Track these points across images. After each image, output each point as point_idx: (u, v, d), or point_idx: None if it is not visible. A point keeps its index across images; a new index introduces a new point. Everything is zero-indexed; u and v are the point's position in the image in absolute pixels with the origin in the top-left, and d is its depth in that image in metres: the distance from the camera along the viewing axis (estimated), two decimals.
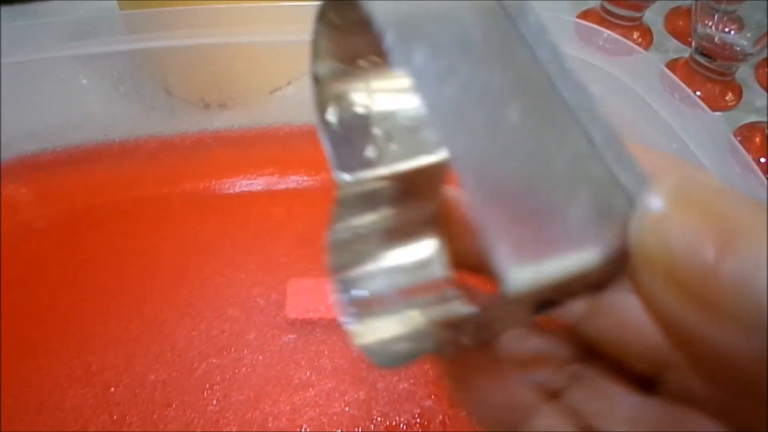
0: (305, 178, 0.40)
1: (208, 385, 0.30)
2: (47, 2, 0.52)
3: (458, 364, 0.16)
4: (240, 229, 0.37)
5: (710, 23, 0.45)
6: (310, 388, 0.31)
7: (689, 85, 0.46)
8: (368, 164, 0.16)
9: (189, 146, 0.40)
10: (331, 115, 0.16)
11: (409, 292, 0.16)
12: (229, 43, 0.37)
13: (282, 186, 0.39)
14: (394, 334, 0.14)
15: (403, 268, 0.16)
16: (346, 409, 0.30)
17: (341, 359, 0.32)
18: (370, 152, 0.16)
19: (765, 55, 0.48)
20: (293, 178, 0.40)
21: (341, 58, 0.15)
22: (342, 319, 0.14)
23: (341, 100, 0.16)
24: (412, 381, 0.31)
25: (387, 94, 0.16)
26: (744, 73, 0.48)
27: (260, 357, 0.31)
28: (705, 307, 0.08)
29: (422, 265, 0.16)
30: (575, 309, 0.17)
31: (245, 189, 0.39)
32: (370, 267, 0.16)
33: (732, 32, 0.45)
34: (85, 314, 0.32)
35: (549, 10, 0.56)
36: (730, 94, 0.46)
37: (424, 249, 0.16)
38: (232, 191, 0.39)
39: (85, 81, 0.38)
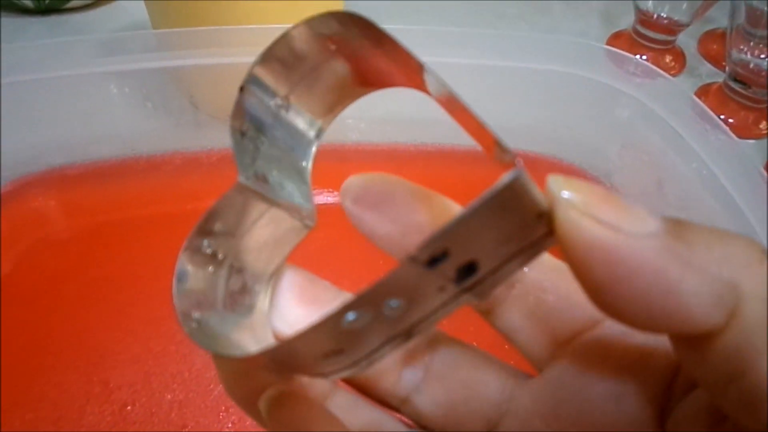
0: (328, 197, 0.40)
1: (223, 407, 0.30)
2: (81, 13, 0.53)
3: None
4: None
5: (745, 49, 0.44)
6: None
7: (722, 112, 0.46)
8: (260, 186, 0.16)
9: (215, 162, 0.41)
10: (238, 124, 0.15)
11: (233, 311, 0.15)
12: None
13: None
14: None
15: (234, 301, 0.16)
16: None
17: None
18: (266, 176, 0.16)
19: None
20: (315, 195, 0.40)
21: (275, 78, 0.15)
22: (179, 319, 0.14)
23: (251, 119, 0.15)
24: None
25: (279, 144, 0.16)
26: None
27: None
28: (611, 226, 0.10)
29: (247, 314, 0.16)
30: (405, 382, 0.17)
31: None
32: (210, 281, 0.15)
33: None
34: (105, 330, 0.33)
35: (580, 33, 0.55)
36: (764, 122, 0.45)
37: (250, 309, 0.16)
38: None
39: (114, 96, 0.39)
